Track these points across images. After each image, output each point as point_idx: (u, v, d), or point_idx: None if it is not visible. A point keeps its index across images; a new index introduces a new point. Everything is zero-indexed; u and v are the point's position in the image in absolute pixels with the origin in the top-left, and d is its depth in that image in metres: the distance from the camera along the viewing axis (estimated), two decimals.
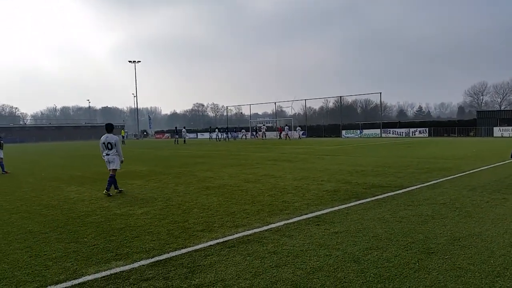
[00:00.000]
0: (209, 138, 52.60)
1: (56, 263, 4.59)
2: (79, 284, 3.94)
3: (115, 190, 9.60)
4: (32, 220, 6.96)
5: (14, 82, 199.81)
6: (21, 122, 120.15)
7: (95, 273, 4.22)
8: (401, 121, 55.48)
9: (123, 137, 53.95)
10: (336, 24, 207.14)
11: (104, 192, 9.33)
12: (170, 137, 78.23)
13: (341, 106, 65.89)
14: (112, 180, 9.43)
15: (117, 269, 4.31)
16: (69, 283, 3.96)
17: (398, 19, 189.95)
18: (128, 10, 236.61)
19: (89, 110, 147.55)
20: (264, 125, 59.49)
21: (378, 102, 58.51)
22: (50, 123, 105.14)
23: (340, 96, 62.59)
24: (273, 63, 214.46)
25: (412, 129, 45.89)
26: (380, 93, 51.30)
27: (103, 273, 4.20)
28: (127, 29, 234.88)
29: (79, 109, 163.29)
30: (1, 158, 16.10)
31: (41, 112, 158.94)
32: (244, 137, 58.16)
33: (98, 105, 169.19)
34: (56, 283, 3.96)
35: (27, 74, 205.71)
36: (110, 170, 9.53)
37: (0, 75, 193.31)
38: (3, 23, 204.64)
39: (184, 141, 46.09)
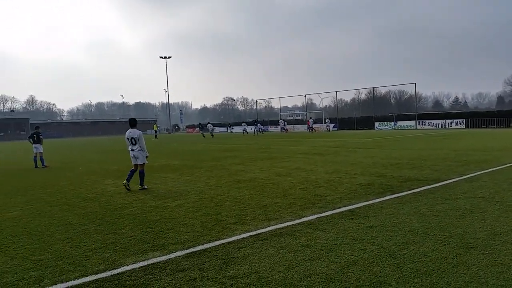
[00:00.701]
0: (243, 131, 52.74)
1: (95, 253, 4.76)
2: (118, 274, 4.07)
3: (139, 186, 9.51)
4: (72, 212, 7.25)
5: (52, 79, 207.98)
6: (58, 118, 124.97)
7: (133, 263, 4.35)
8: (437, 112, 53.77)
9: (155, 131, 55.05)
10: (369, 13, 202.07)
11: (139, 188, 9.43)
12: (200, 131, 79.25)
13: (374, 97, 64.52)
14: (142, 175, 9.50)
15: (154, 260, 4.42)
16: (108, 273, 4.10)
17: (433, 7, 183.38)
18: (160, 5, 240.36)
19: (123, 105, 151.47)
20: (281, 119, 59.17)
21: (413, 92, 57.09)
22: (86, 119, 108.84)
23: (373, 87, 61.16)
24: (303, 55, 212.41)
25: (448, 120, 44.37)
26: (415, 83, 49.91)
27: (141, 264, 4.33)
28: (159, 25, 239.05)
29: (113, 104, 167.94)
30: (41, 152, 16.82)
31: (77, 108, 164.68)
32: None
33: (131, 101, 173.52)
34: (96, 273, 4.11)
35: (64, 71, 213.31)
36: (137, 165, 9.53)
37: (39, 72, 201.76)
38: (41, 21, 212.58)
39: (212, 135, 46.87)
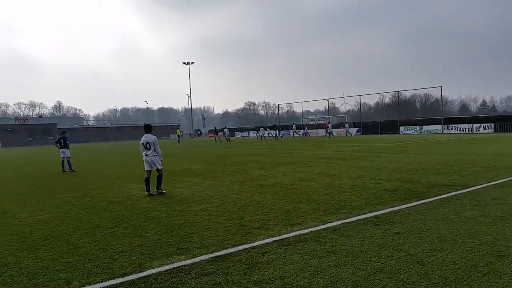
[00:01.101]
0: (260, 137, 52.87)
1: (122, 256, 4.84)
2: (144, 277, 4.13)
3: (155, 190, 9.51)
4: (99, 215, 7.40)
5: (78, 84, 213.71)
6: (84, 123, 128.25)
7: (158, 266, 4.40)
8: (464, 116, 52.41)
9: (178, 136, 55.58)
10: (393, 15, 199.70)
11: (155, 192, 9.44)
12: (222, 136, 79.75)
13: (398, 101, 63.35)
14: (161, 179, 9.55)
15: (179, 263, 4.47)
16: (135, 276, 4.16)
17: (458, 7, 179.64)
18: (184, 11, 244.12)
19: (147, 110, 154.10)
20: (294, 123, 59.13)
21: (439, 96, 55.72)
22: (111, 124, 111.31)
23: (398, 91, 60.01)
24: (326, 59, 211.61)
25: (475, 125, 43.13)
26: (441, 87, 48.78)
27: (166, 267, 4.37)
28: (182, 30, 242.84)
29: (138, 110, 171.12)
30: (68, 157, 17.25)
31: (103, 114, 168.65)
32: (294, 134, 57.82)
33: (155, 106, 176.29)
34: (123, 276, 4.18)
35: (89, 77, 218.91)
36: (150, 172, 9.50)
37: (66, 77, 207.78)
38: (68, 27, 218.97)
39: (229, 139, 47.81)
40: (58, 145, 17.57)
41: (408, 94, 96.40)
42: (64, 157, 17.18)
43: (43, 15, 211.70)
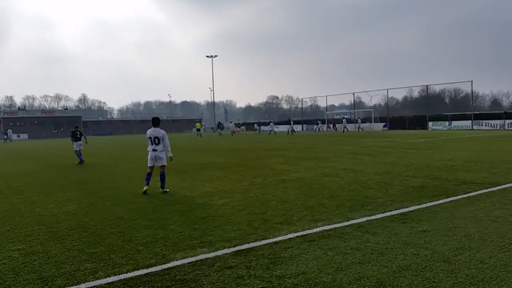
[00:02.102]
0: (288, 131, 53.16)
1: (146, 248, 4.90)
2: (168, 268, 4.16)
3: (161, 190, 8.97)
4: (123, 207, 7.52)
5: (103, 77, 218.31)
6: (109, 116, 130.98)
7: (182, 258, 4.43)
8: (495, 112, 50.71)
9: (198, 130, 55.12)
10: (422, 8, 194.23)
11: (160, 191, 8.89)
12: (245, 129, 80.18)
13: (427, 95, 61.79)
14: (164, 177, 9.00)
15: (202, 256, 4.49)
16: (159, 267, 4.20)
17: (489, 0, 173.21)
18: (207, 5, 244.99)
19: (170, 104, 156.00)
20: (290, 119, 59.20)
21: (469, 91, 53.93)
22: (135, 117, 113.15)
23: (427, 85, 58.42)
24: (352, 52, 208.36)
25: (508, 121, 41.62)
26: (471, 81, 47.28)
27: (190, 259, 4.40)
28: (205, 24, 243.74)
29: (161, 103, 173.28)
30: (81, 149, 17.85)
31: (126, 107, 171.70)
32: (319, 129, 57.36)
33: (178, 100, 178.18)
34: (148, 267, 4.23)
35: (114, 70, 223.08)
36: (153, 167, 9.05)
37: (91, 71, 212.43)
38: (94, 19, 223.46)
39: (232, 134, 51.19)
40: (72, 138, 18.12)
41: (437, 88, 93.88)
42: (77, 150, 17.79)
43: (73, 8, 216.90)
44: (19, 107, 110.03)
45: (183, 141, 38.85)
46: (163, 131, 9.07)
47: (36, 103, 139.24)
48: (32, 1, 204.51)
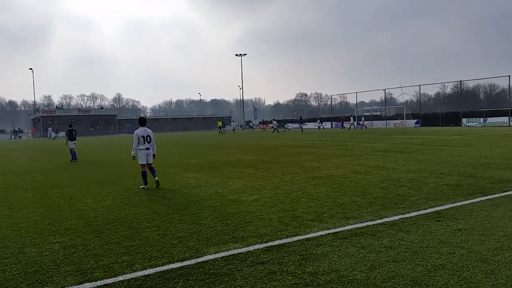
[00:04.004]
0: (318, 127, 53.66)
1: (180, 242, 5.03)
2: (202, 262, 4.26)
3: (156, 178, 9.50)
4: (158, 202, 7.72)
5: (137, 77, 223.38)
6: (142, 115, 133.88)
7: (215, 253, 4.52)
8: None
9: (219, 127, 54.64)
10: (457, 2, 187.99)
11: (156, 179, 9.44)
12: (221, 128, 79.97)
13: (461, 91, 59.88)
14: (154, 169, 9.61)
15: (235, 251, 4.56)
16: (193, 261, 4.30)
17: None
18: (237, 3, 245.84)
19: (200, 102, 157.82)
20: (351, 115, 58.76)
21: (506, 86, 51.95)
22: (166, 115, 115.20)
23: (460, 81, 56.64)
24: (383, 48, 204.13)
25: None
26: (509, 76, 45.36)
27: (222, 254, 4.48)
28: (235, 23, 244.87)
29: (192, 102, 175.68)
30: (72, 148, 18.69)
31: (159, 105, 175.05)
32: (323, 128, 56.18)
33: (208, 98, 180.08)
34: (182, 260, 4.34)
35: (147, 70, 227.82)
36: (145, 165, 9.54)
37: (125, 71, 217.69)
38: (129, 22, 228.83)
39: (233, 131, 54.77)
40: (69, 137, 18.96)
41: (471, 84, 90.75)
42: (72, 147, 18.71)
43: (111, 10, 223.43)
44: (57, 106, 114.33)
45: (213, 138, 39.30)
46: (150, 130, 9.74)
47: (73, 102, 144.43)
48: (74, 4, 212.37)
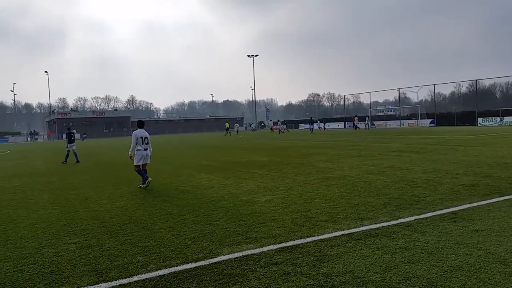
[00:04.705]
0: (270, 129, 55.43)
1: (194, 242, 5.05)
2: (215, 263, 4.27)
3: (142, 185, 9.82)
4: (171, 203, 7.76)
5: (150, 79, 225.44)
6: (155, 116, 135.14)
7: (228, 253, 4.53)
8: None
9: (226, 129, 54.80)
10: (471, 1, 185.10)
11: (143, 186, 9.75)
12: (286, 128, 79.94)
13: (477, 90, 58.92)
14: (146, 171, 9.93)
15: (248, 252, 4.56)
16: (207, 261, 4.31)
17: None
18: (249, 4, 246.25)
19: (212, 103, 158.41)
20: (356, 115, 58.61)
21: None
22: (179, 117, 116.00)
23: (476, 80, 55.81)
24: (397, 48, 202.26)
25: None
26: None
27: (236, 254, 4.49)
28: (247, 24, 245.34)
29: (204, 103, 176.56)
30: (74, 149, 19.22)
31: (172, 107, 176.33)
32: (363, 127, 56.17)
33: (220, 99, 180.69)
34: (196, 261, 4.35)
35: (160, 72, 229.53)
36: (143, 164, 9.90)
37: (139, 73, 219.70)
38: (142, 24, 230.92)
39: (237, 132, 55.56)
40: (67, 139, 19.51)
41: (487, 83, 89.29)
42: (70, 150, 19.21)
43: (125, 12, 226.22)
44: (71, 108, 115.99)
45: (224, 140, 39.41)
46: (147, 133, 10.15)
47: (87, 104, 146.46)
48: (89, 7, 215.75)
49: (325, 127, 58.13)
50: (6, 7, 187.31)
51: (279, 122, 59.77)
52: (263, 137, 39.91)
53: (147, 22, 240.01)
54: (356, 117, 53.98)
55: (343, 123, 66.97)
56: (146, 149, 9.92)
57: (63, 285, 3.89)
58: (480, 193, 7.10)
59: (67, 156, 19.36)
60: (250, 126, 65.40)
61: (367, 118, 56.51)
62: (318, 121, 60.75)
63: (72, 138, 19.55)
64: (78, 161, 18.87)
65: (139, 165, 9.90)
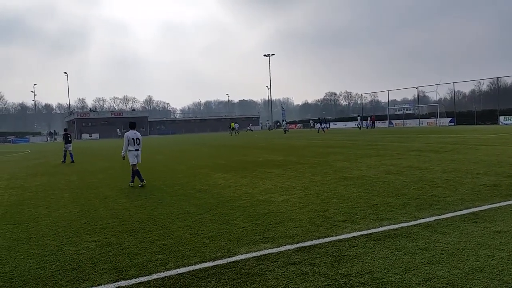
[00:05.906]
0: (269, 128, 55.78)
1: (212, 241, 5.08)
2: (233, 262, 4.29)
3: (141, 183, 10.25)
4: (189, 202, 7.83)
5: (167, 79, 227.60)
6: (172, 116, 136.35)
7: (246, 253, 4.54)
8: None
9: (232, 129, 55.02)
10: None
11: (131, 184, 10.35)
12: (302, 127, 79.73)
13: (498, 88, 57.49)
14: (138, 173, 10.26)
15: (266, 251, 4.56)
16: (224, 260, 4.34)
17: None
18: (266, 4, 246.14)
19: (228, 103, 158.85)
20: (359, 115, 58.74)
21: None
22: (196, 117, 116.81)
23: (497, 77, 54.36)
24: (416, 45, 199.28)
25: None
26: None
27: (254, 254, 4.50)
28: (264, 23, 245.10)
29: (220, 102, 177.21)
30: (70, 150, 19.91)
31: (188, 107, 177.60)
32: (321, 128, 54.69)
33: (236, 99, 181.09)
34: (214, 260, 4.38)
35: (177, 72, 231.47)
36: (135, 164, 10.21)
37: (157, 73, 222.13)
38: (161, 24, 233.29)
39: (238, 132, 55.72)
40: (64, 140, 20.24)
41: (508, 80, 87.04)
42: (66, 150, 19.93)
43: (145, 14, 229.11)
44: (90, 109, 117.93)
45: (240, 139, 39.48)
46: (139, 134, 10.61)
47: (106, 105, 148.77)
48: (111, 9, 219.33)
49: (325, 127, 56.04)
50: (32, 8, 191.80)
51: (284, 122, 60.53)
52: (279, 137, 39.82)
53: (165, 22, 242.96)
54: (359, 117, 54.58)
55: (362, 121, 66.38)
56: (137, 150, 10.35)
57: (84, 282, 3.96)
58: (502, 194, 6.95)
59: (65, 156, 20.10)
60: (268, 124, 66.38)
61: (369, 118, 56.29)
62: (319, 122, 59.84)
63: (69, 139, 20.31)
64: (73, 161, 19.47)
65: (135, 164, 10.26)
